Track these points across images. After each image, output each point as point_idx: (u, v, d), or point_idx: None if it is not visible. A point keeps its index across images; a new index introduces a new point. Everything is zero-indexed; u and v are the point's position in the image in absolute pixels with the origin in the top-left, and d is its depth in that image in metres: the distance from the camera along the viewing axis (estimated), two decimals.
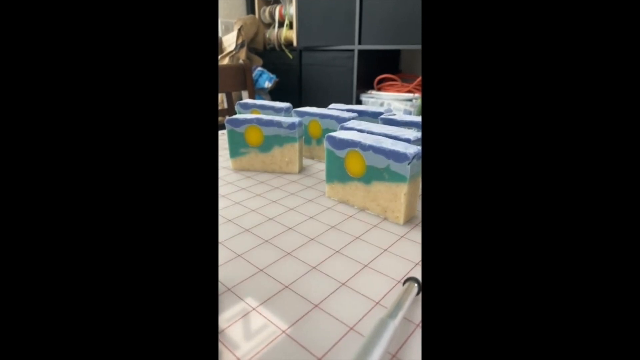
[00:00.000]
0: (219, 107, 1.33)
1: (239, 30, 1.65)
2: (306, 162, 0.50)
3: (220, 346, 0.18)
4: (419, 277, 0.24)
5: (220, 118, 1.02)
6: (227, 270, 0.25)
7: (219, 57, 1.65)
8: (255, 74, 1.65)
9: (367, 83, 1.45)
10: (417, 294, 0.22)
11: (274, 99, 1.78)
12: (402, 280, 0.24)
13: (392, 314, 0.19)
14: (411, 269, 0.25)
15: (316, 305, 0.21)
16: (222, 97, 1.39)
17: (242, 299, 0.22)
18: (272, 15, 1.85)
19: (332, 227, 0.31)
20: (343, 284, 0.23)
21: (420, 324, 0.20)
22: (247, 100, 0.55)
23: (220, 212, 0.34)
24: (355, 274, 0.25)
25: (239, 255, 0.27)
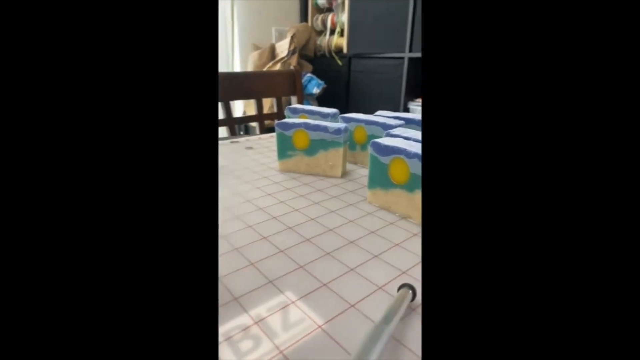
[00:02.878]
0: (269, 111, 1.39)
1: (292, 37, 1.71)
2: (349, 167, 0.50)
3: (260, 333, 0.20)
4: None
5: (269, 121, 1.06)
6: (270, 263, 0.26)
7: (271, 63, 1.72)
8: (304, 79, 1.70)
9: (416, 91, 1.43)
10: (412, 300, 0.22)
11: (321, 104, 1.81)
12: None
13: (386, 320, 0.19)
14: None
15: (352, 305, 0.22)
16: (272, 102, 1.45)
17: (282, 292, 0.23)
18: (324, 23, 1.89)
19: (372, 232, 0.32)
20: (380, 287, 0.24)
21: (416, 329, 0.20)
22: (296, 105, 0.57)
23: (266, 210, 0.36)
24: (393, 279, 0.25)
25: (281, 251, 0.28)
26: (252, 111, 1.14)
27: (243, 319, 0.21)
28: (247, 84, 0.94)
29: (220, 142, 0.62)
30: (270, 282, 0.24)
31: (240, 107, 1.79)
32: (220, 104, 0.88)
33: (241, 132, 1.73)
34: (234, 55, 1.90)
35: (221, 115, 0.88)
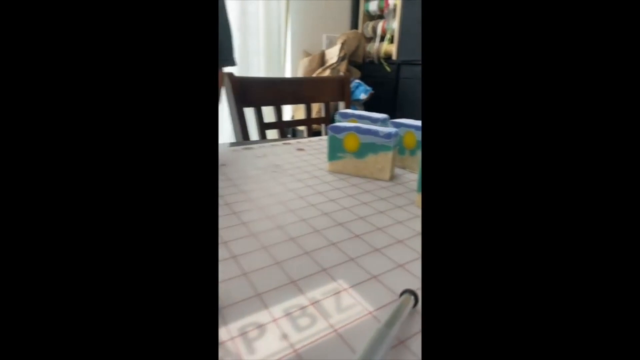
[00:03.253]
0: (317, 116, 1.42)
1: (342, 44, 1.74)
2: (398, 171, 0.51)
3: (316, 312, 0.22)
4: None
5: (316, 125, 1.10)
6: (323, 254, 0.28)
7: (321, 69, 1.77)
8: (352, 85, 1.72)
9: None
10: (414, 306, 0.22)
11: (367, 110, 1.82)
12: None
13: (389, 324, 0.19)
14: None
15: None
16: (320, 106, 1.49)
17: (334, 280, 0.25)
18: (374, 30, 1.90)
19: (420, 233, 0.33)
20: None
21: (415, 334, 0.20)
22: (346, 110, 0.59)
23: (318, 206, 0.38)
24: None
25: (333, 244, 0.30)
26: (300, 116, 1.19)
27: (300, 300, 0.23)
28: (297, 89, 0.98)
29: (273, 143, 0.66)
30: (324, 270, 0.26)
31: (288, 112, 1.86)
32: (272, 108, 0.93)
33: (289, 136, 1.79)
34: (285, 61, 1.98)
35: (273, 118, 0.93)
